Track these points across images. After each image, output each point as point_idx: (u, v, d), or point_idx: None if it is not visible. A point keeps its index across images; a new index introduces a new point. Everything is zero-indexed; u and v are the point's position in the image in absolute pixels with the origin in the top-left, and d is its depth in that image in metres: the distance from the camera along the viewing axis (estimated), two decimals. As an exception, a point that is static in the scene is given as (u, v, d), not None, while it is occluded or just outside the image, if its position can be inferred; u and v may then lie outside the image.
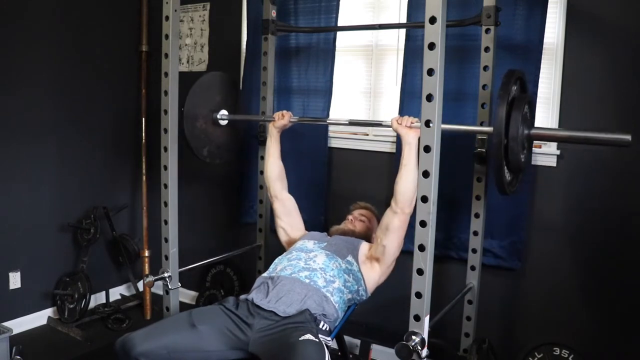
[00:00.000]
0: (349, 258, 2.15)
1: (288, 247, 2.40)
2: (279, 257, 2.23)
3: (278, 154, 2.49)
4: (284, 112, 2.48)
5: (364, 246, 2.23)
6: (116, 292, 3.56)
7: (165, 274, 2.16)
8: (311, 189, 2.96)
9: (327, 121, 2.57)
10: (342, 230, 2.36)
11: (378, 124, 2.37)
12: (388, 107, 2.82)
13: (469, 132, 2.35)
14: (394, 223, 2.03)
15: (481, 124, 2.33)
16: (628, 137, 1.68)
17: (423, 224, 1.57)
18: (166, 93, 2.08)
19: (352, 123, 2.45)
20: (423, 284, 1.58)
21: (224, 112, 2.62)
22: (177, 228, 2.19)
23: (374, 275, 2.14)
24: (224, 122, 2.63)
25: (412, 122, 2.00)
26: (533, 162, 2.40)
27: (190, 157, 2.68)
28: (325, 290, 1.99)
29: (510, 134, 1.80)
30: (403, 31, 2.69)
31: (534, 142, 2.38)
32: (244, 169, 3.15)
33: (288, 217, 2.46)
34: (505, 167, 1.88)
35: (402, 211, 2.00)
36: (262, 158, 2.85)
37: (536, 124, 2.36)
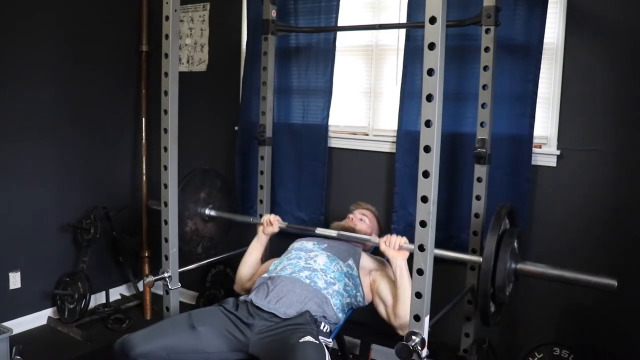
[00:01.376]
0: (350, 262, 2.15)
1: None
2: (278, 258, 2.23)
3: (259, 259, 2.40)
4: (272, 217, 2.40)
5: (365, 260, 2.23)
6: (116, 292, 3.56)
7: (165, 274, 2.16)
8: (311, 189, 2.96)
9: (317, 231, 2.31)
10: (343, 226, 2.35)
11: (367, 240, 2.22)
12: (388, 107, 2.82)
13: (460, 261, 2.29)
14: (387, 318, 2.04)
15: (481, 124, 2.33)
16: (614, 283, 1.76)
17: (423, 224, 1.57)
18: (166, 93, 2.08)
19: (340, 235, 2.25)
20: (423, 284, 1.58)
21: (211, 210, 2.62)
22: (177, 228, 2.19)
23: (369, 293, 2.16)
24: (213, 214, 2.63)
25: (400, 245, 1.99)
26: (533, 162, 2.40)
27: (191, 157, 2.68)
28: (325, 292, 1.99)
29: (496, 284, 1.86)
30: (403, 31, 2.69)
31: (534, 142, 2.40)
32: (243, 169, 3.15)
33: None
34: (491, 301, 1.93)
35: (399, 327, 1.98)
36: (262, 158, 2.85)
37: (536, 125, 2.39)
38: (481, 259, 1.87)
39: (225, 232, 2.79)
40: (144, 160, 3.52)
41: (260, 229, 2.43)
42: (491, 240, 1.85)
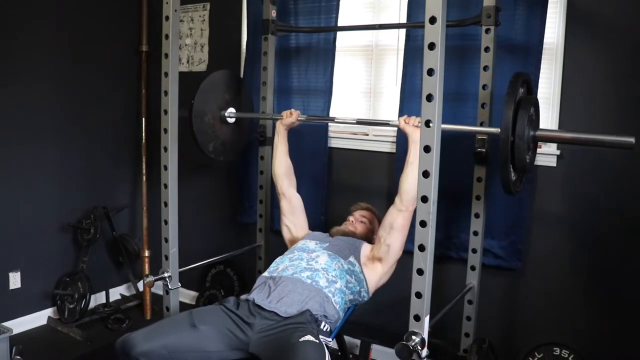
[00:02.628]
0: (351, 259, 2.15)
1: (290, 245, 2.41)
2: (280, 256, 2.23)
3: (286, 151, 2.52)
4: (292, 110, 2.52)
5: (366, 247, 2.23)
6: (116, 292, 3.56)
7: (165, 274, 2.16)
8: (311, 189, 2.96)
9: (335, 120, 2.58)
10: (343, 232, 2.36)
11: (385, 123, 2.39)
12: (388, 107, 2.82)
13: (475, 133, 2.35)
14: (398, 221, 2.05)
15: (481, 124, 2.33)
16: (632, 140, 1.73)
17: (423, 224, 1.57)
18: (166, 93, 2.08)
19: (360, 122, 2.45)
20: (423, 284, 1.58)
21: (231, 110, 2.66)
22: (177, 228, 2.19)
23: (375, 276, 2.15)
24: (231, 120, 2.67)
25: (419, 122, 2.01)
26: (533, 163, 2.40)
27: (191, 158, 2.68)
28: (327, 290, 1.99)
29: (517, 133, 1.84)
30: (403, 31, 2.69)
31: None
32: (244, 169, 3.15)
33: (293, 215, 2.48)
34: (511, 167, 1.91)
35: (406, 209, 2.03)
36: (262, 158, 2.85)
37: (537, 124, 2.38)
38: (499, 130, 1.84)
39: (239, 142, 2.81)
40: (144, 160, 3.52)
41: (278, 122, 2.54)
42: (508, 107, 1.82)
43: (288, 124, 2.51)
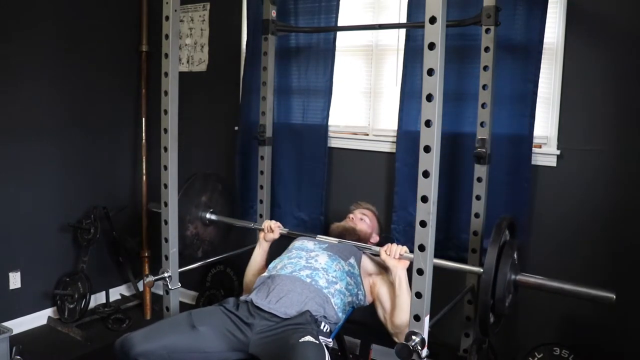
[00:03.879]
0: (352, 261, 2.15)
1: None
2: (278, 257, 2.23)
3: (263, 264, 2.41)
4: (272, 224, 2.41)
5: (366, 262, 2.23)
6: (116, 292, 3.56)
7: (165, 274, 2.16)
8: (311, 189, 2.96)
9: (317, 238, 2.31)
10: (344, 227, 2.35)
11: (368, 248, 2.21)
12: (388, 107, 2.82)
13: (460, 270, 2.29)
14: (385, 323, 2.05)
15: (481, 124, 2.33)
16: (612, 296, 1.76)
17: (423, 224, 1.57)
18: (166, 93, 2.08)
19: (341, 243, 2.24)
20: (423, 284, 1.59)
21: (212, 214, 2.62)
22: (177, 228, 2.19)
23: (369, 294, 2.16)
24: (213, 222, 2.64)
25: (400, 254, 1.98)
26: (533, 162, 2.40)
27: (191, 157, 2.68)
28: (326, 291, 1.99)
29: (496, 295, 1.88)
30: (403, 31, 2.69)
31: (534, 142, 2.40)
32: (243, 169, 3.15)
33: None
34: (490, 312, 1.95)
35: (395, 334, 1.99)
36: (262, 158, 2.85)
37: (536, 125, 2.39)
38: (482, 270, 1.89)
39: (225, 235, 2.79)
40: (144, 160, 3.52)
41: (261, 235, 2.44)
42: (492, 253, 1.86)
43: (271, 240, 2.41)
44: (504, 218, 2.03)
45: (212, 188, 2.66)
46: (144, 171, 3.52)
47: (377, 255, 2.07)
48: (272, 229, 2.40)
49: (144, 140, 3.52)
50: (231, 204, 2.84)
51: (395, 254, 1.97)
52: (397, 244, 2.02)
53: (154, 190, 3.34)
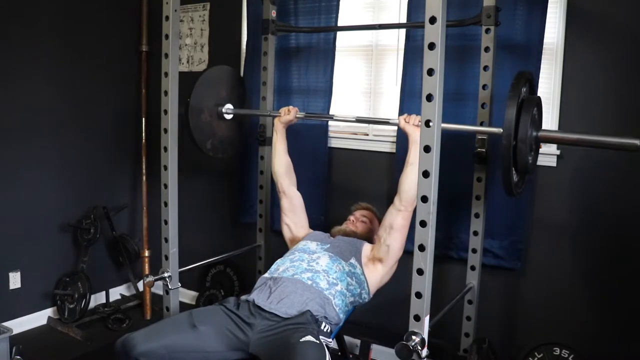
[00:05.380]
0: (352, 261, 2.15)
1: (291, 244, 2.41)
2: (281, 258, 2.23)
3: (285, 148, 2.49)
4: (290, 107, 2.49)
5: (367, 247, 2.23)
6: (116, 292, 3.56)
7: (165, 274, 2.16)
8: (311, 189, 2.95)
9: (334, 118, 2.55)
10: (344, 232, 2.36)
11: (385, 122, 2.35)
12: (388, 107, 2.82)
13: (476, 132, 2.33)
14: (398, 221, 2.05)
15: (481, 124, 2.33)
16: (637, 142, 1.70)
17: (423, 224, 1.57)
18: (166, 93, 2.08)
19: (359, 120, 2.44)
20: (423, 284, 1.58)
21: (229, 106, 2.63)
22: (177, 228, 2.19)
23: (376, 276, 2.15)
24: (228, 117, 2.66)
25: (419, 121, 1.99)
26: (533, 162, 2.40)
27: (190, 157, 2.68)
28: (327, 292, 1.99)
29: (519, 136, 1.81)
30: (403, 31, 2.69)
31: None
32: (244, 169, 3.15)
33: (293, 214, 2.47)
34: (513, 169, 1.89)
35: (406, 208, 2.03)
36: (262, 158, 2.85)
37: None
38: (501, 130, 1.82)
39: (237, 139, 2.78)
40: (144, 160, 3.52)
41: (277, 119, 2.49)
42: (511, 106, 1.79)
43: (286, 122, 2.48)
44: (522, 74, 1.91)
45: (233, 86, 2.69)
46: (144, 171, 3.52)
47: (397, 125, 2.13)
48: (289, 110, 2.47)
49: (144, 140, 3.52)
50: (247, 105, 2.85)
51: (414, 121, 2.05)
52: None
53: (154, 190, 3.34)
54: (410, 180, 1.98)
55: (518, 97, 1.83)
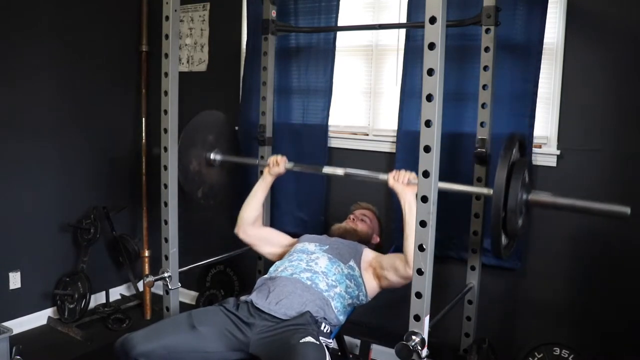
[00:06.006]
0: (351, 263, 2.14)
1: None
2: (279, 260, 2.23)
3: (263, 200, 2.39)
4: (279, 158, 2.38)
5: (367, 253, 2.22)
6: (116, 292, 3.56)
7: (165, 274, 2.16)
8: (311, 189, 2.96)
9: (323, 170, 2.35)
10: (344, 229, 2.35)
11: (374, 177, 2.19)
12: (388, 107, 2.82)
13: (468, 193, 2.26)
14: (402, 273, 2.00)
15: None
16: (627, 210, 1.69)
17: (423, 224, 1.56)
18: (166, 93, 2.08)
19: (348, 174, 2.27)
20: (423, 284, 1.58)
21: (217, 154, 2.56)
22: (177, 228, 2.18)
23: (374, 285, 2.15)
24: (217, 163, 2.59)
25: (409, 179, 1.95)
26: (533, 162, 2.40)
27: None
28: (326, 294, 1.99)
29: (509, 206, 1.80)
30: (403, 31, 2.69)
31: (534, 142, 2.40)
32: (244, 169, 3.14)
33: (268, 243, 2.41)
34: (503, 233, 1.89)
35: (409, 277, 1.93)
36: (262, 158, 2.85)
37: (536, 125, 2.38)
38: (491, 191, 1.82)
39: (227, 185, 2.71)
40: (143, 160, 3.52)
41: (266, 169, 2.40)
42: (502, 170, 1.78)
43: (275, 174, 2.38)
44: (513, 137, 1.92)
45: (220, 130, 2.59)
46: (144, 171, 3.52)
47: (385, 183, 2.04)
48: (277, 162, 2.36)
49: (144, 140, 3.52)
50: (237, 151, 2.76)
51: (403, 180, 1.96)
52: (406, 170, 2.00)
53: (153, 189, 3.34)
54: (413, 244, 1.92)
55: (509, 159, 1.83)
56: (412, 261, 1.85)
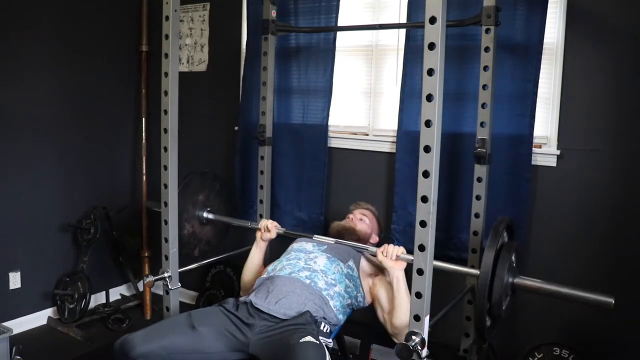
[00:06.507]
0: (350, 263, 2.15)
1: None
2: (277, 259, 2.23)
3: (261, 263, 2.40)
4: (269, 224, 2.38)
5: (365, 264, 2.23)
6: (116, 292, 3.56)
7: (165, 274, 2.16)
8: (311, 189, 2.96)
9: (313, 238, 2.30)
10: (343, 226, 2.35)
11: (364, 248, 2.18)
12: (388, 107, 2.82)
13: (458, 272, 2.23)
14: (387, 326, 2.02)
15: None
16: (611, 300, 1.73)
17: (423, 224, 1.56)
18: (166, 93, 2.08)
19: (339, 242, 2.23)
20: (423, 284, 1.58)
21: (209, 213, 2.60)
22: (177, 228, 2.19)
23: (368, 297, 2.16)
24: (210, 221, 2.62)
25: (397, 255, 1.95)
26: (533, 162, 2.40)
27: (191, 157, 2.68)
28: (325, 293, 1.99)
29: (493, 299, 1.85)
30: (403, 31, 2.69)
31: (534, 142, 2.40)
32: (243, 169, 3.15)
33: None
34: (487, 316, 1.92)
35: (394, 335, 1.98)
36: (262, 158, 2.85)
37: (536, 125, 2.39)
38: (479, 272, 1.87)
39: (223, 235, 2.77)
40: (144, 160, 3.52)
41: (258, 235, 2.41)
42: (488, 256, 1.84)
43: (268, 240, 2.39)
44: (502, 220, 1.99)
45: (209, 187, 2.64)
46: (144, 171, 3.52)
47: (375, 255, 2.06)
48: (268, 228, 2.37)
49: (144, 140, 3.52)
50: (229, 203, 2.82)
51: (392, 255, 1.95)
52: (396, 245, 2.01)
53: (154, 190, 3.34)
54: (400, 318, 1.91)
55: (496, 244, 1.86)
56: (400, 327, 1.90)
